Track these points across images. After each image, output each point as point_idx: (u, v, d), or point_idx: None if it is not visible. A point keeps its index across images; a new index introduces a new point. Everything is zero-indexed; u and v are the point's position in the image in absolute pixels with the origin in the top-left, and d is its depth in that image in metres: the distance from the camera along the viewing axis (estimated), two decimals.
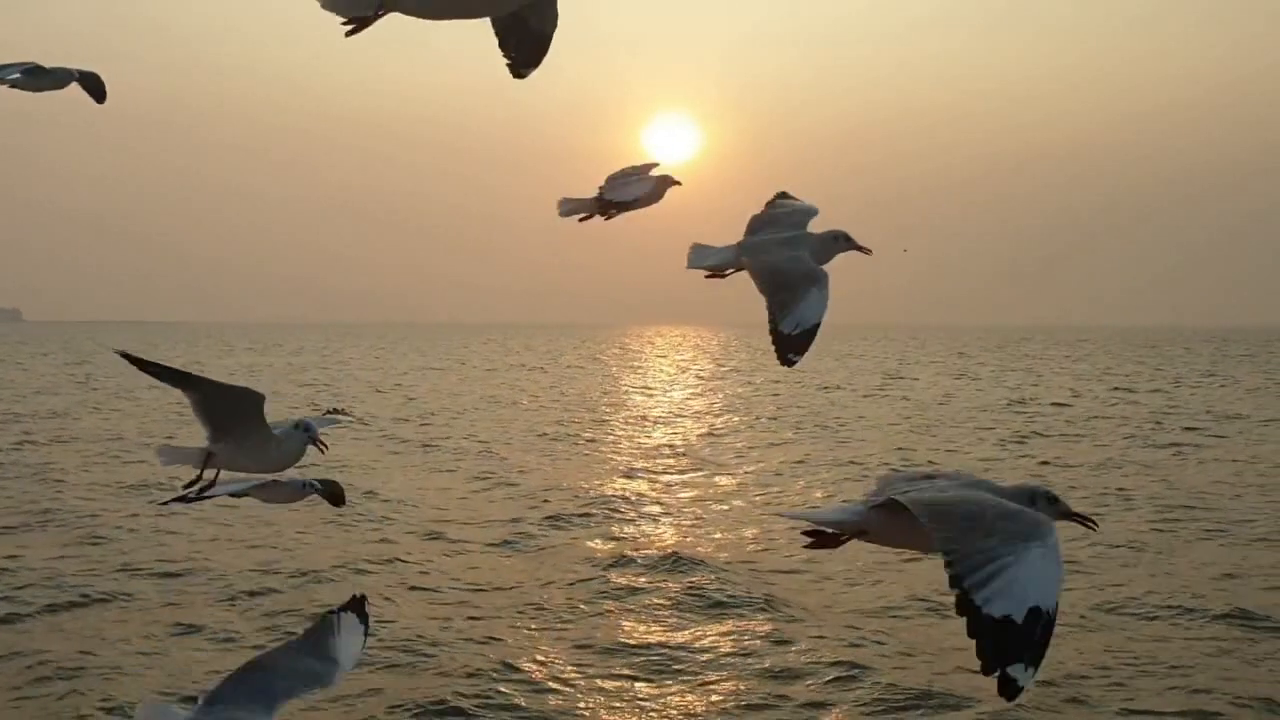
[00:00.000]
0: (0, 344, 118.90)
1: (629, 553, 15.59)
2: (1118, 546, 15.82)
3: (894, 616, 12.59)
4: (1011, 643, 2.62)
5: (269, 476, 4.80)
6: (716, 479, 23.24)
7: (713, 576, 14.36)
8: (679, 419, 37.20)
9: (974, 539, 2.78)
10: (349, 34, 3.42)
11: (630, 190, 4.46)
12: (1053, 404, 42.48)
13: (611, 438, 31.01)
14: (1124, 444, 29.00)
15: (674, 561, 15.06)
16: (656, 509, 19.53)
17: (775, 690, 10.37)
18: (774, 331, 3.53)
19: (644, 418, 37.67)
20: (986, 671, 2.64)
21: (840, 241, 3.92)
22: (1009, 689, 2.62)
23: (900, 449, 28.41)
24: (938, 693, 10.10)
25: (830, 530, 3.52)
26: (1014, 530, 2.78)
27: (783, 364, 3.55)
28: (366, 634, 4.33)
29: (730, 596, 13.45)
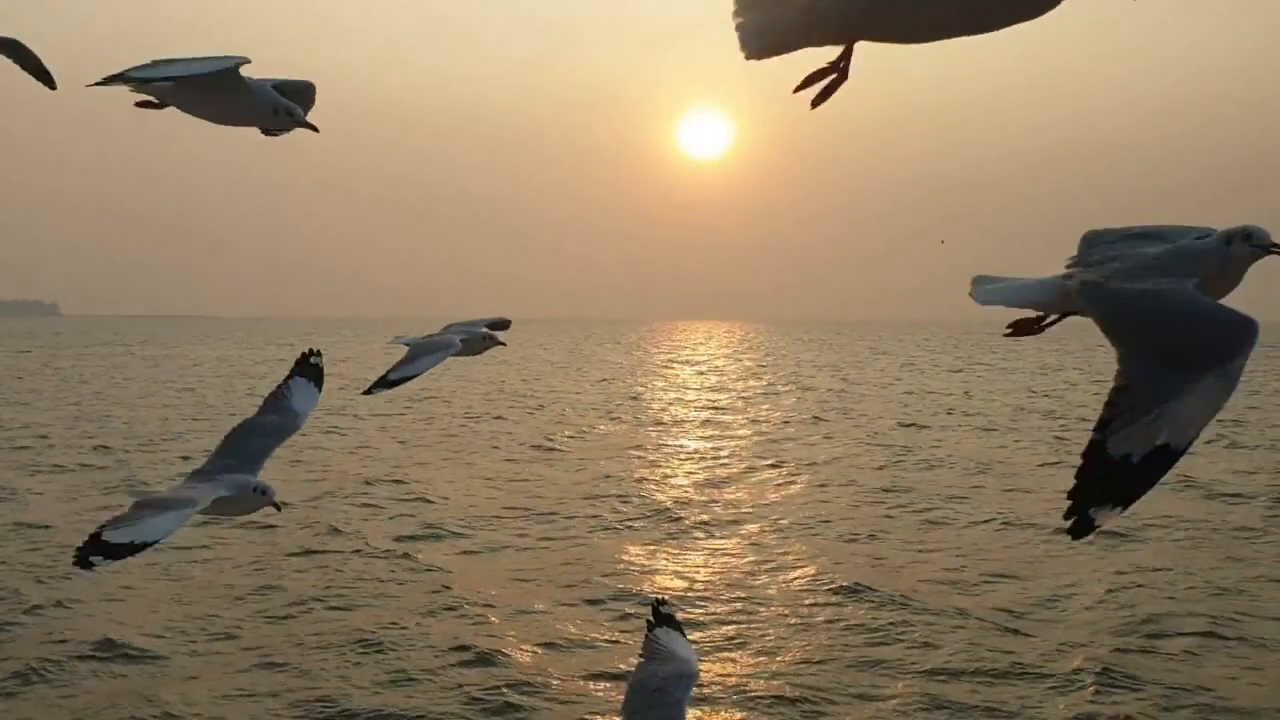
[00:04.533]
0: (19, 336, 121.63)
1: (375, 542, 16.12)
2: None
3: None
4: (1117, 482, 2.40)
5: (463, 323, 5.80)
6: (543, 474, 23.83)
7: (447, 564, 14.92)
8: (589, 412, 37.62)
9: (1150, 366, 2.45)
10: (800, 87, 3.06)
11: None
12: (997, 400, 43.11)
13: (506, 431, 31.33)
14: (962, 435, 29.53)
15: (409, 549, 15.65)
16: (447, 498, 20.08)
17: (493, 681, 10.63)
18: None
19: (546, 408, 38.17)
20: (1068, 515, 2.41)
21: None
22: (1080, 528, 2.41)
23: (773, 440, 28.93)
24: None
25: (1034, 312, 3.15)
26: (1200, 349, 2.43)
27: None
28: (320, 390, 5.29)
29: (458, 589, 13.75)
